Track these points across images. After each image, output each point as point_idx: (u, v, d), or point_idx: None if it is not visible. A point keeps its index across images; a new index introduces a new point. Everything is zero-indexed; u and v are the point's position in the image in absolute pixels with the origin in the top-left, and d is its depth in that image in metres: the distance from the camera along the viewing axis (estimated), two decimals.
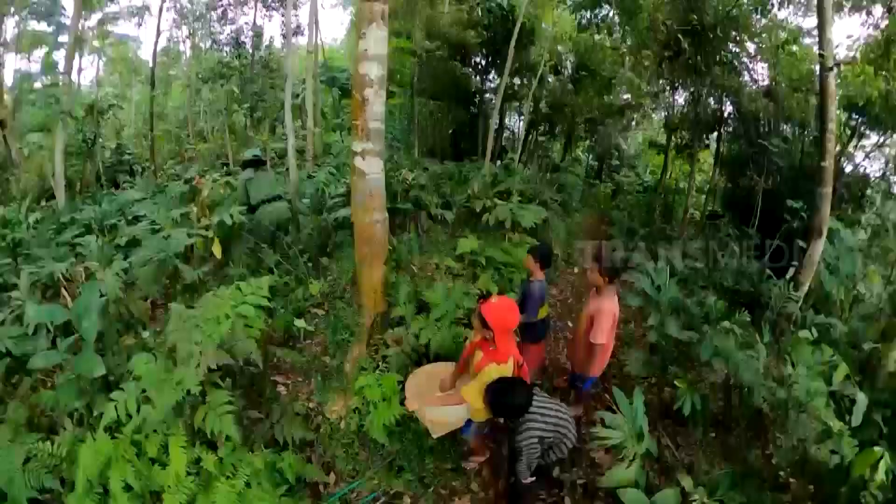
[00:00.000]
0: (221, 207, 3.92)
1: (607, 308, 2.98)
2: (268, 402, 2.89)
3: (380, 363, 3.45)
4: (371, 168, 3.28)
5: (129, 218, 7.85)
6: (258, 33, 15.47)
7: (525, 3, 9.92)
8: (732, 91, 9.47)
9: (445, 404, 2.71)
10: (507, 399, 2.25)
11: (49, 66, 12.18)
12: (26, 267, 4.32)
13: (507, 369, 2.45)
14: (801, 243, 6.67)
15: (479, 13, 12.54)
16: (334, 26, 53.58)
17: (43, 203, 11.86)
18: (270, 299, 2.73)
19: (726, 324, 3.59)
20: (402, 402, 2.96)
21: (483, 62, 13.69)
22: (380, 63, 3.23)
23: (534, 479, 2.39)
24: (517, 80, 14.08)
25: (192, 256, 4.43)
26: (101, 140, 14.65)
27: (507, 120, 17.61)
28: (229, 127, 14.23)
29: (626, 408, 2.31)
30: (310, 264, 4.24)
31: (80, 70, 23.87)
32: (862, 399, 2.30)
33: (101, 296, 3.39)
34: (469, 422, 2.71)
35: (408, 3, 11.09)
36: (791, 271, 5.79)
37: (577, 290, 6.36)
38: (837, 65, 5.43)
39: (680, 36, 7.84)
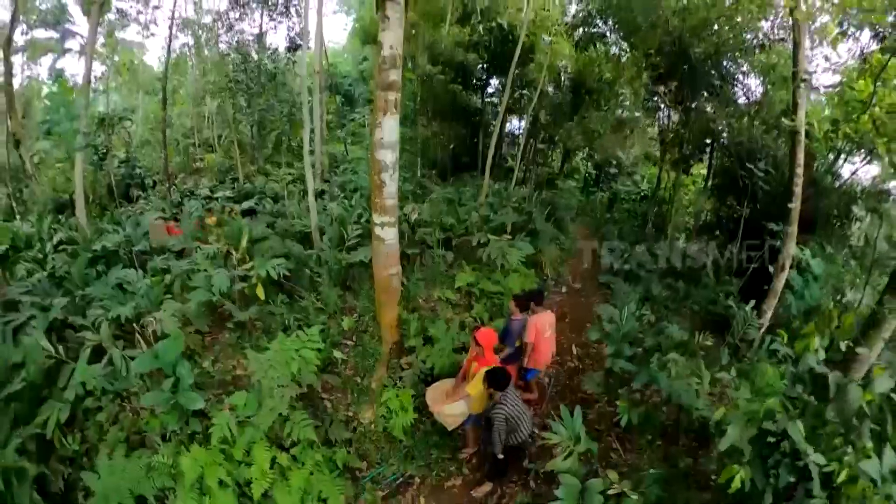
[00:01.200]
0: (264, 260, 5.00)
1: (532, 320, 4.57)
2: (321, 413, 4.05)
3: (397, 381, 4.72)
4: (388, 236, 4.41)
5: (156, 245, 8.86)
6: (264, 46, 16.34)
7: (526, 24, 10.76)
8: (719, 116, 10.41)
9: (455, 401, 4.01)
10: (497, 376, 3.59)
11: (66, 98, 13.16)
12: (92, 311, 5.32)
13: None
14: (771, 269, 7.78)
15: (482, 32, 13.45)
16: (336, 31, 54.60)
17: (61, 218, 12.88)
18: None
19: (673, 355, 4.65)
20: (416, 409, 4.22)
21: (484, 78, 14.68)
22: (393, 150, 4.31)
23: (503, 456, 3.62)
24: (517, 93, 15.12)
25: (231, 291, 5.50)
26: (112, 153, 15.69)
27: (508, 125, 18.68)
28: (238, 142, 15.24)
29: (567, 419, 3.42)
30: (337, 301, 5.37)
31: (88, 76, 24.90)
32: (730, 433, 3.36)
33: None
34: (469, 416, 3.98)
35: (412, 27, 12.10)
36: (752, 302, 6.82)
37: (561, 310, 7.49)
38: (806, 132, 6.58)
39: (662, 88, 8.88)
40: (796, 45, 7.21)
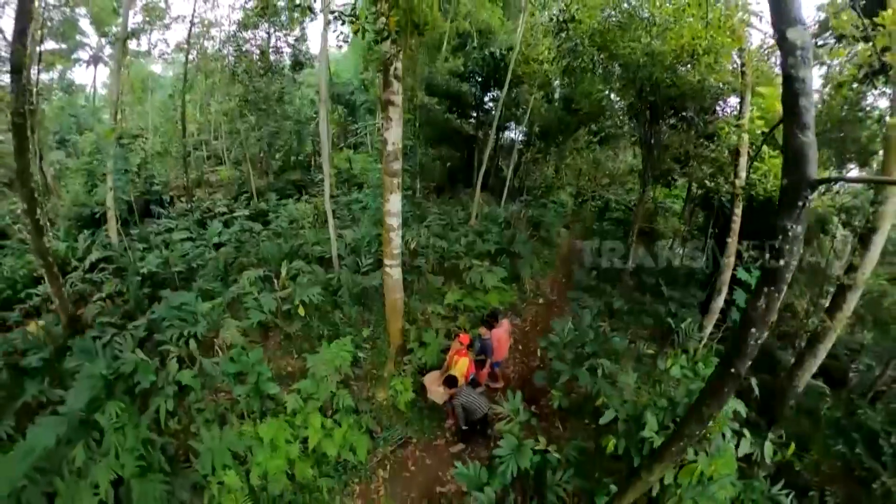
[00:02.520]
0: (304, 288, 7.25)
1: (495, 331, 6.64)
2: (352, 393, 6.32)
3: (401, 372, 7.04)
4: (395, 274, 6.68)
5: (196, 265, 11.02)
6: (272, 69, 18.35)
7: (516, 53, 12.70)
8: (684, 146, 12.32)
9: (440, 383, 6.20)
10: (450, 380, 5.77)
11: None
12: (169, 329, 7.43)
13: (467, 361, 6.09)
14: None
15: (476, 59, 15.46)
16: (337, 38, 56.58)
17: (84, 233, 14.86)
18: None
19: (603, 360, 6.80)
20: (414, 392, 6.55)
21: (477, 102, 16.73)
22: (398, 217, 6.52)
23: (467, 427, 5.84)
24: (511, 111, 17.18)
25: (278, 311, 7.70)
26: (131, 170, 17.72)
27: (508, 133, 20.78)
28: (250, 159, 17.36)
29: (511, 399, 5.64)
30: (357, 316, 7.66)
31: (94, 87, 27.06)
32: (607, 414, 5.54)
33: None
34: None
35: (410, 60, 14.18)
36: (688, 320, 8.95)
37: (535, 319, 9.70)
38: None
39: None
40: (742, 99, 9.22)
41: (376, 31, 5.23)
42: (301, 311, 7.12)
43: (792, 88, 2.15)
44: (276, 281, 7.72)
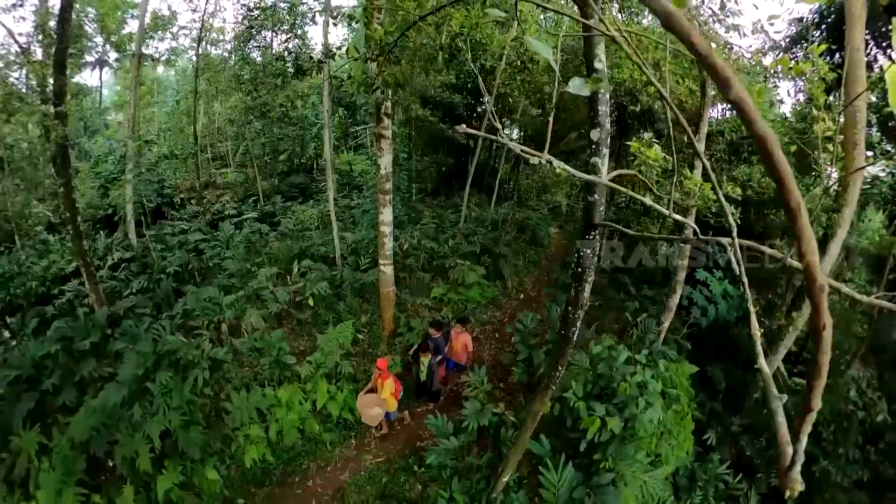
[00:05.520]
0: (312, 282, 9.29)
1: (460, 339, 8.41)
2: (352, 365, 8.35)
3: (392, 351, 9.02)
4: (388, 271, 8.75)
5: (213, 263, 13.09)
6: (279, 73, 20.28)
7: (502, 67, 14.56)
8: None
9: (374, 407, 7.61)
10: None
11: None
12: (200, 317, 9.48)
13: (391, 381, 7.56)
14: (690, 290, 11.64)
15: (467, 68, 17.34)
16: (337, 40, 59.27)
17: (100, 235, 16.92)
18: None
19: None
20: (401, 366, 8.52)
21: (469, 112, 18.63)
22: (389, 225, 8.52)
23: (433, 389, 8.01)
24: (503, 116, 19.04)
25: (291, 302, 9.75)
26: (153, 179, 19.78)
27: (505, 132, 22.49)
28: (257, 166, 19.43)
29: (477, 372, 7.61)
30: (357, 306, 9.70)
31: (101, 89, 29.26)
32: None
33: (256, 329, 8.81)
34: (386, 414, 7.69)
35: (404, 78, 16.08)
36: (643, 315, 10.86)
37: (512, 313, 11.67)
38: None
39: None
40: (700, 116, 11.02)
41: (368, 85, 7.24)
42: (311, 302, 9.17)
43: (587, 169, 4.09)
44: (288, 277, 9.77)
